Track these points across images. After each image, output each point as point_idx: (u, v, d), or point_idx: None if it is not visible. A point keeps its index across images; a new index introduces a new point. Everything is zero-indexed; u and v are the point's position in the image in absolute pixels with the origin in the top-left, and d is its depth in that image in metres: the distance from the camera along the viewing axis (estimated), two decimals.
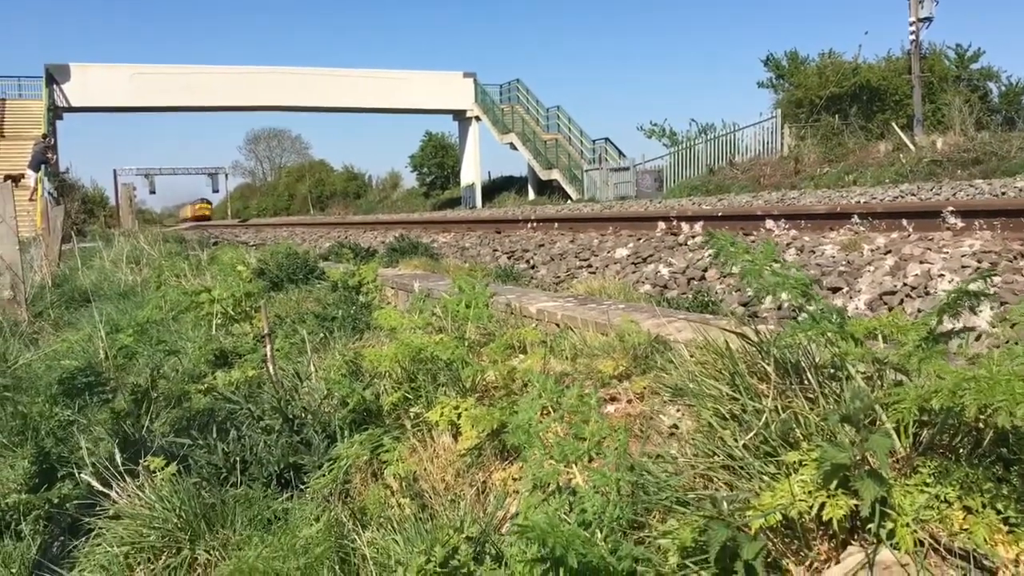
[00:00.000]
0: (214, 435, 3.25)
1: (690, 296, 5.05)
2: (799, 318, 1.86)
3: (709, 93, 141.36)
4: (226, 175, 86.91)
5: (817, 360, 1.80)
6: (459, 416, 2.86)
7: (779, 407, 1.71)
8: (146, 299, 7.48)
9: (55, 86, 32.90)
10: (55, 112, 32.55)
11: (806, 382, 1.76)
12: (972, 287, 1.60)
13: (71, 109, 34.17)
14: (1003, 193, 9.31)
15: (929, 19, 32.11)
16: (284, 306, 5.78)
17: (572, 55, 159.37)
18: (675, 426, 2.32)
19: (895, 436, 1.58)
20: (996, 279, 3.81)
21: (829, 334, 1.67)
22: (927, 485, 1.54)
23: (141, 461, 3.08)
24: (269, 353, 3.83)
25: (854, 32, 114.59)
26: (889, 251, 4.80)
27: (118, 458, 3.13)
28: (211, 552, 2.70)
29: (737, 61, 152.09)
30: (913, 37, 31.97)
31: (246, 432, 3.27)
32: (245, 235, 22.66)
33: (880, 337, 1.88)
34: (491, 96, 39.61)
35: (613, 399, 2.82)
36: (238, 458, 3.09)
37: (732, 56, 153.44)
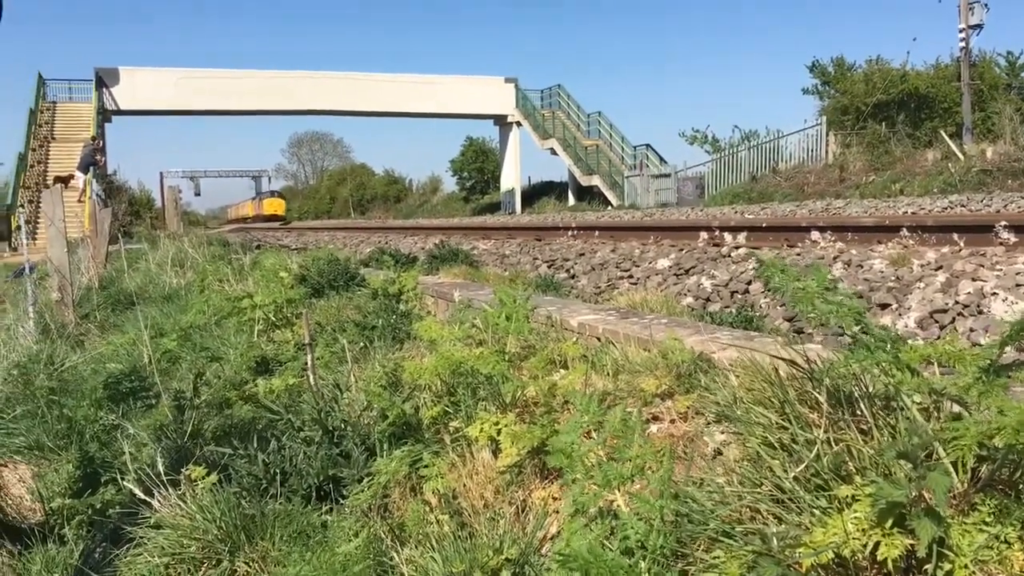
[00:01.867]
0: (255, 444, 3.26)
1: (733, 310, 4.98)
2: (851, 344, 1.81)
3: (753, 99, 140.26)
4: (269, 178, 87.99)
5: (870, 389, 1.75)
6: (499, 432, 2.84)
7: (831, 439, 1.65)
8: (189, 303, 7.57)
9: (104, 89, 33.56)
10: (104, 115, 33.18)
11: (859, 413, 1.70)
12: None
13: (120, 112, 34.82)
14: None
15: (979, 26, 31.56)
16: (325, 313, 5.80)
17: (614, 61, 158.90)
18: (719, 450, 2.28)
19: (953, 472, 1.52)
20: None
21: (883, 364, 1.62)
22: (986, 524, 1.48)
23: (183, 470, 3.10)
24: (310, 363, 3.84)
25: (902, 39, 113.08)
26: (940, 267, 4.69)
27: (160, 466, 3.15)
28: (250, 564, 2.71)
29: (782, 67, 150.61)
30: (963, 44, 31.43)
31: (286, 442, 3.27)
32: (287, 239, 22.89)
33: (936, 364, 1.82)
34: (532, 101, 39.64)
35: (656, 418, 2.77)
36: (278, 469, 3.09)
37: (777, 62, 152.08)
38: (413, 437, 3.16)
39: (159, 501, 3.05)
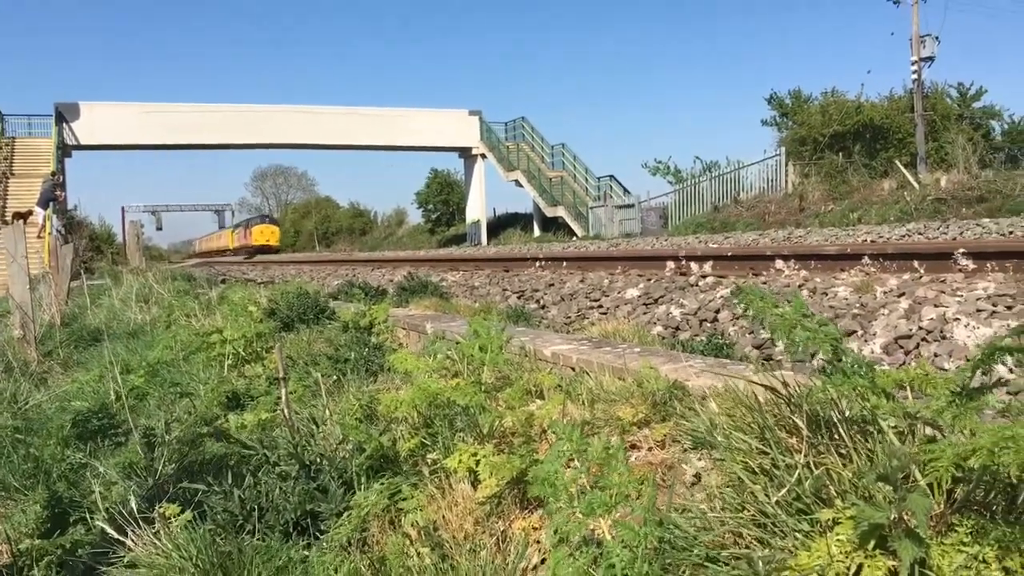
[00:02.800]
0: (229, 480, 3.23)
1: (703, 338, 5.04)
2: (828, 369, 1.85)
3: (713, 131, 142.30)
4: (232, 212, 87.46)
5: (848, 414, 1.79)
6: (478, 463, 2.85)
7: (811, 463, 1.69)
8: (156, 339, 7.49)
9: (64, 124, 33.26)
10: (64, 150, 32.85)
11: (837, 437, 1.75)
12: (1004, 343, 1.60)
13: (80, 147, 34.50)
14: (1011, 232, 9.32)
15: (931, 58, 32.42)
16: (296, 347, 5.78)
17: (577, 93, 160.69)
18: (698, 476, 2.31)
19: (930, 494, 1.57)
20: (1013, 323, 3.80)
21: (860, 389, 1.67)
22: (964, 544, 1.52)
23: (157, 507, 3.06)
24: (284, 397, 3.82)
25: (857, 71, 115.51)
26: (903, 293, 4.79)
27: (133, 504, 3.11)
28: None
29: (741, 99, 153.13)
30: (915, 76, 32.24)
31: (262, 477, 3.25)
32: (252, 272, 22.71)
33: (909, 389, 1.88)
34: (496, 134, 39.91)
35: (634, 447, 2.80)
36: (255, 505, 3.07)
37: (736, 94, 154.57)
38: (391, 470, 3.15)
39: (132, 540, 3.01)
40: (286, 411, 3.78)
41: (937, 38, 32.54)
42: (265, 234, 63.13)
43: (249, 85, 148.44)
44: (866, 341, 4.24)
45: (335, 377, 4.73)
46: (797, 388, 2.03)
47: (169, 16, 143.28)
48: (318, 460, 3.29)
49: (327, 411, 3.95)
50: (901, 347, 4.06)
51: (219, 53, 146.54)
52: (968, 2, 68.32)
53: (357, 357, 4.98)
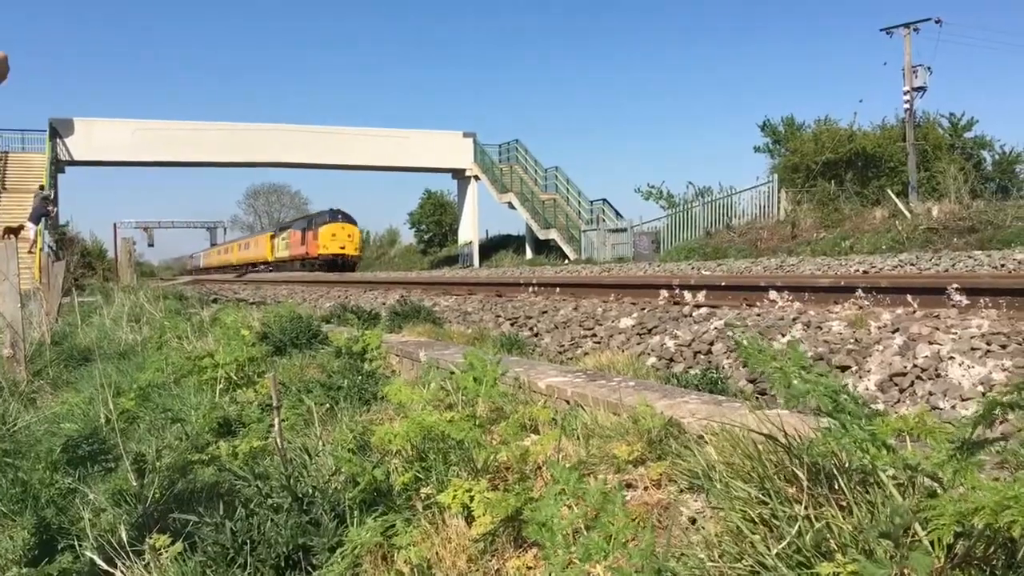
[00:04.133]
0: (220, 511, 3.21)
1: (697, 371, 5.04)
2: (823, 410, 1.85)
3: (706, 156, 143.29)
4: (224, 229, 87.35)
5: (848, 464, 1.79)
6: (472, 499, 2.83)
7: (812, 515, 1.69)
8: (147, 360, 7.44)
9: (58, 140, 33.26)
10: (57, 165, 32.85)
11: (837, 488, 1.74)
12: (1006, 399, 1.60)
13: (74, 163, 34.50)
14: (1003, 266, 9.36)
15: (923, 88, 32.76)
16: (288, 372, 5.76)
17: (571, 117, 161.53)
18: (693, 520, 2.30)
19: (931, 550, 1.56)
20: (1008, 363, 3.81)
21: (860, 442, 1.66)
22: None
23: (147, 538, 3.03)
24: (277, 427, 3.80)
25: (850, 100, 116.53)
26: (897, 329, 4.80)
27: (123, 534, 3.08)
28: None
29: (734, 126, 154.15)
30: (907, 105, 32.54)
31: (254, 509, 3.22)
32: (244, 291, 22.67)
33: (908, 438, 1.88)
34: (490, 156, 40.05)
35: (630, 486, 2.79)
36: (246, 538, 3.04)
37: (730, 120, 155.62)
38: (385, 503, 3.13)
39: (122, 572, 2.98)
40: (279, 440, 3.75)
41: (929, 68, 32.90)
42: (339, 238, 44.52)
43: (244, 105, 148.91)
44: (861, 378, 4.25)
45: (328, 405, 4.70)
46: (796, 434, 2.02)
47: (165, 34, 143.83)
48: (311, 492, 3.27)
49: (320, 441, 3.93)
50: (896, 384, 4.06)
51: (215, 74, 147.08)
52: (960, 34, 69.16)
53: (350, 385, 4.96)
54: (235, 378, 5.84)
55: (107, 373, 6.96)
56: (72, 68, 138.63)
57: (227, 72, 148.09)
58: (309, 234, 46.38)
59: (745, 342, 1.81)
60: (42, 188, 25.11)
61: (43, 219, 22.24)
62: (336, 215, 46.14)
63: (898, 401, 3.91)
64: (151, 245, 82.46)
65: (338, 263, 43.15)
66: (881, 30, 33.81)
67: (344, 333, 6.16)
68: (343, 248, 44.75)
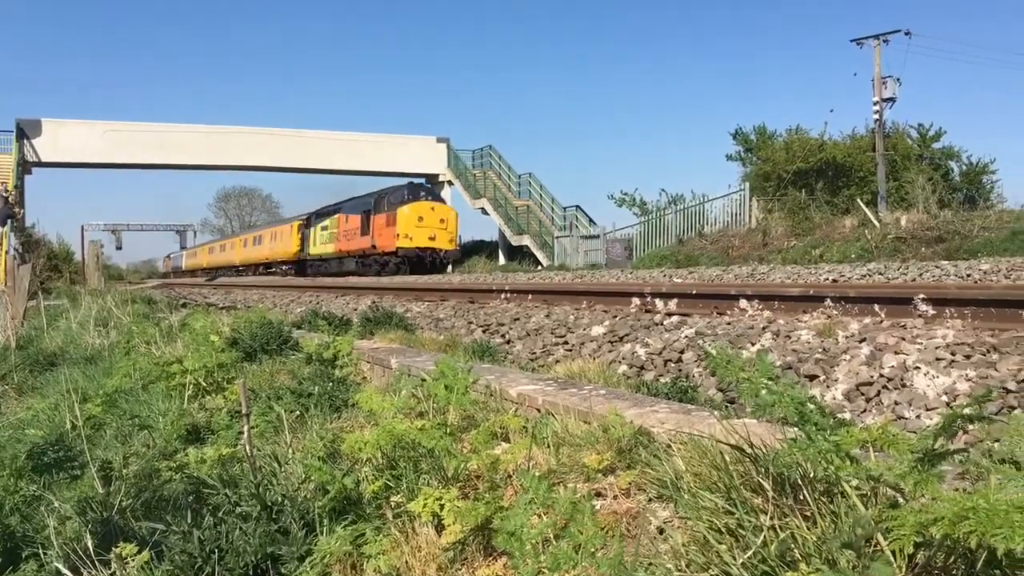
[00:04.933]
0: (188, 520, 3.18)
1: (667, 379, 5.07)
2: (790, 421, 1.88)
3: (679, 164, 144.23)
4: (195, 232, 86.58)
5: (812, 474, 1.81)
6: (442, 508, 2.83)
7: (776, 525, 1.71)
8: (114, 366, 7.37)
9: (26, 141, 32.82)
10: (24, 167, 32.41)
11: (802, 499, 1.77)
12: (966, 411, 1.63)
13: (41, 164, 34.11)
14: (968, 276, 9.50)
15: (892, 99, 33.22)
16: (258, 378, 5.72)
17: (546, 123, 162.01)
18: (661, 530, 2.32)
19: (893, 560, 1.59)
20: (972, 373, 3.87)
21: (825, 452, 1.69)
22: None
23: (113, 548, 3.00)
24: (247, 435, 3.77)
25: (820, 109, 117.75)
26: (864, 339, 4.86)
27: (88, 542, 3.05)
28: None
29: (707, 134, 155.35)
30: (877, 116, 32.96)
31: (222, 517, 3.20)
32: (214, 296, 22.50)
33: (871, 449, 1.91)
34: (464, 161, 40.07)
35: (599, 494, 2.80)
36: (214, 547, 3.02)
37: (702, 128, 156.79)
38: (354, 512, 3.13)
39: None
40: (248, 448, 3.73)
41: (899, 80, 33.37)
42: (428, 224, 31.53)
43: (214, 109, 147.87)
44: (828, 387, 4.30)
45: (298, 412, 4.69)
46: (762, 444, 2.05)
47: (139, 36, 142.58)
48: (280, 500, 3.25)
49: (290, 448, 3.91)
50: (862, 394, 4.11)
51: (184, 77, 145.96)
52: (929, 46, 70.18)
53: (321, 391, 4.94)
54: (204, 384, 5.79)
55: (73, 378, 6.88)
56: (39, 70, 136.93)
57: (200, 75, 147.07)
58: (378, 219, 32.72)
59: (714, 352, 1.83)
60: (6, 191, 24.78)
61: (8, 221, 21.93)
62: (418, 191, 32.96)
63: (864, 410, 3.96)
64: (119, 248, 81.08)
65: (426, 262, 31.06)
66: (851, 41, 34.24)
67: (315, 339, 6.14)
68: (433, 239, 31.49)
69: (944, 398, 3.76)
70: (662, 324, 6.60)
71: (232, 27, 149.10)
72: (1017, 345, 4.28)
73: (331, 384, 5.09)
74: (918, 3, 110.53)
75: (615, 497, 2.75)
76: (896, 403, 3.87)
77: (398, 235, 31.32)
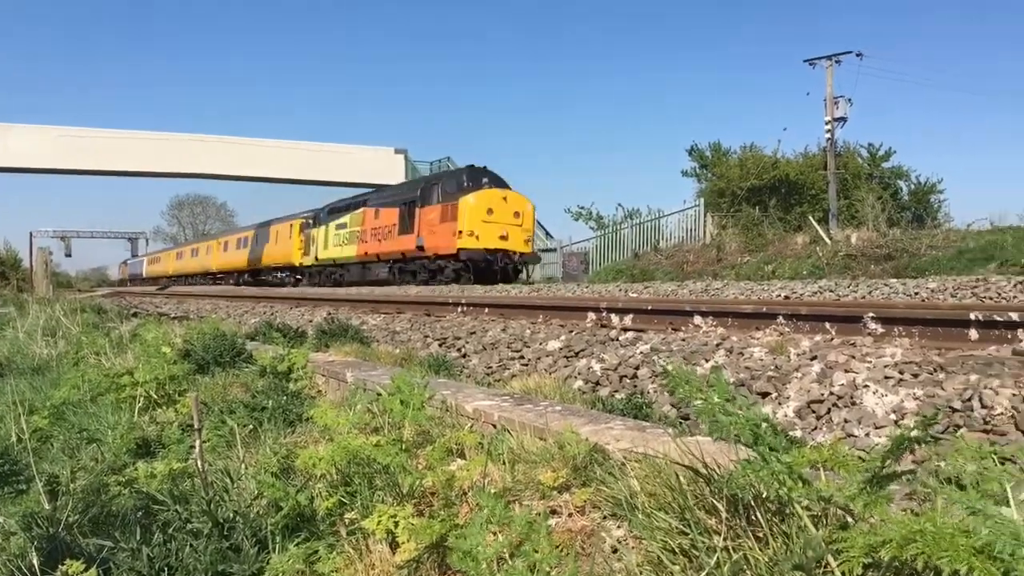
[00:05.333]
0: (137, 536, 3.13)
1: (622, 395, 5.11)
2: (746, 452, 1.90)
3: (635, 179, 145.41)
4: (147, 240, 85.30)
5: (765, 495, 1.84)
6: (397, 525, 2.82)
7: (730, 546, 1.73)
8: (62, 377, 7.22)
9: None
10: None
11: (755, 519, 1.79)
12: (914, 434, 1.67)
13: None
14: (916, 294, 9.70)
15: (844, 119, 33.86)
16: (210, 391, 5.65)
17: (504, 137, 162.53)
18: (614, 549, 2.33)
19: None
20: (919, 392, 3.95)
21: (778, 474, 1.72)
22: None
23: (60, 565, 2.94)
24: (199, 449, 3.72)
25: (774, 128, 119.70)
26: (815, 356, 4.94)
27: (34, 559, 2.99)
28: None
29: (663, 150, 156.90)
30: (829, 135, 33.58)
31: (172, 534, 3.16)
32: (166, 306, 22.17)
33: (822, 469, 1.94)
34: (421, 172, 40.01)
35: (554, 512, 2.81)
36: (164, 564, 2.98)
37: (658, 144, 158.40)
38: (308, 529, 3.10)
39: None
40: (200, 463, 3.68)
41: (850, 100, 34.03)
42: (500, 219, 24.59)
43: (172, 116, 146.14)
44: (780, 404, 4.36)
45: (251, 426, 4.63)
46: (716, 464, 2.08)
47: (93, 44, 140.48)
48: (232, 517, 3.21)
49: (243, 464, 3.87)
50: (813, 411, 4.17)
51: (138, 83, 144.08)
52: (879, 67, 71.73)
53: (275, 405, 4.89)
54: (155, 397, 5.71)
55: (20, 389, 6.73)
56: None
57: (154, 82, 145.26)
58: (428, 213, 25.80)
59: (672, 370, 1.85)
60: None
61: None
62: (480, 176, 25.55)
63: (815, 428, 4.02)
64: (68, 255, 79.36)
65: (495, 268, 24.11)
66: (805, 61, 34.84)
67: (269, 351, 6.08)
68: (505, 239, 24.41)
69: (892, 416, 3.83)
70: (618, 339, 6.64)
71: (189, 34, 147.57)
72: (962, 364, 4.37)
73: (285, 398, 5.05)
74: (870, 25, 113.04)
75: (570, 515, 2.76)
76: (846, 421, 3.93)
77: (460, 233, 23.86)
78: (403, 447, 3.21)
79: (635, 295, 13.02)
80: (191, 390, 5.49)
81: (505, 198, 25.03)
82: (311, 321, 12.11)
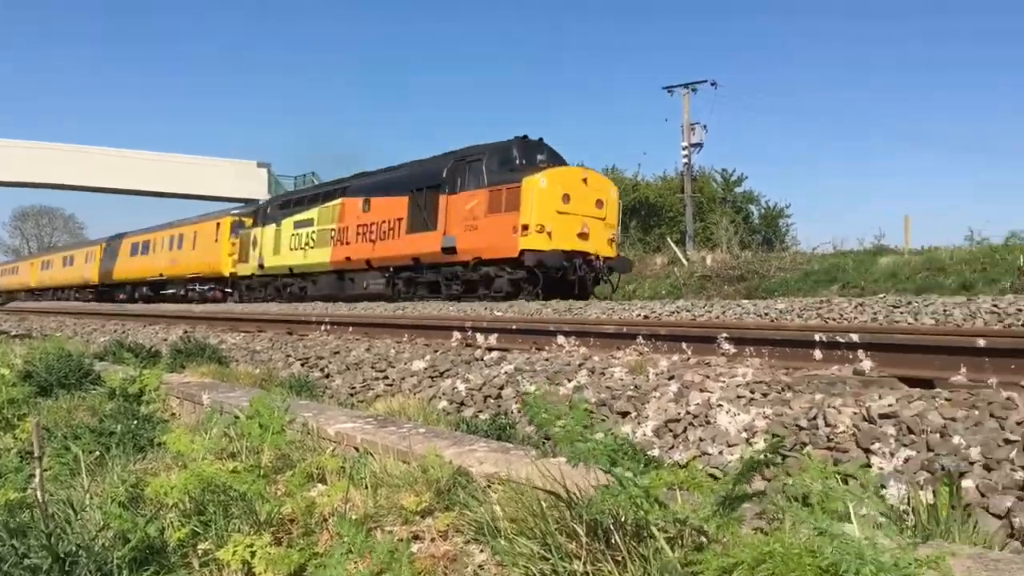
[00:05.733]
0: None
1: (487, 415, 5.13)
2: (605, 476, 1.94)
3: None
4: None
5: (624, 519, 1.88)
6: (253, 555, 2.73)
7: (590, 571, 1.76)
8: None
9: None
10: None
11: (613, 542, 1.82)
12: (762, 457, 1.74)
13: None
14: (766, 314, 10.16)
15: (700, 144, 35.23)
16: (54, 415, 5.34)
17: (369, 150, 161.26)
18: (476, 573, 2.33)
19: None
20: (768, 411, 4.13)
21: (635, 498, 1.75)
22: None
23: None
24: (39, 478, 3.51)
25: (635, 151, 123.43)
26: (672, 376, 5.09)
27: None
28: None
29: None
30: (686, 160, 34.87)
31: (7, 571, 2.96)
32: (6, 323, 20.84)
33: (678, 490, 2.00)
34: (285, 187, 39.21)
35: (417, 537, 2.79)
36: None
37: None
38: (157, 561, 2.96)
39: None
40: (40, 494, 3.47)
41: (705, 127, 35.43)
42: (580, 209, 18.17)
43: (25, 122, 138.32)
44: (639, 424, 4.47)
45: (98, 453, 4.40)
46: (576, 487, 2.10)
47: None
48: (75, 551, 3.04)
49: (88, 493, 3.66)
50: (671, 431, 4.30)
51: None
52: (733, 96, 75.12)
53: (124, 430, 4.65)
54: None
55: None
56: None
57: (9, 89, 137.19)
58: (467, 201, 19.20)
59: (530, 398, 1.87)
60: None
61: None
62: (534, 152, 19.49)
63: (672, 447, 4.14)
64: None
65: (572, 277, 18.03)
66: (664, 88, 36.08)
67: (120, 372, 5.80)
68: (585, 237, 18.36)
69: (744, 435, 3.99)
70: (482, 359, 6.67)
71: (50, 42, 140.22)
72: (808, 383, 4.60)
73: (136, 422, 4.82)
74: (727, 56, 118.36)
75: (432, 540, 2.74)
76: (701, 439, 4.07)
77: (524, 228, 17.37)
78: (261, 473, 3.12)
79: (500, 314, 13.11)
80: (32, 414, 5.17)
81: (585, 179, 18.73)
82: (166, 340, 11.64)
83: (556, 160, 19.47)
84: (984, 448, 3.26)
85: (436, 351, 7.45)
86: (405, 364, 6.99)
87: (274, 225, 27.15)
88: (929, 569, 1.64)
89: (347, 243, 23.25)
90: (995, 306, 8.69)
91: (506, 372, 6.01)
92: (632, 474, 1.82)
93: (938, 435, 3.45)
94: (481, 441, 3.59)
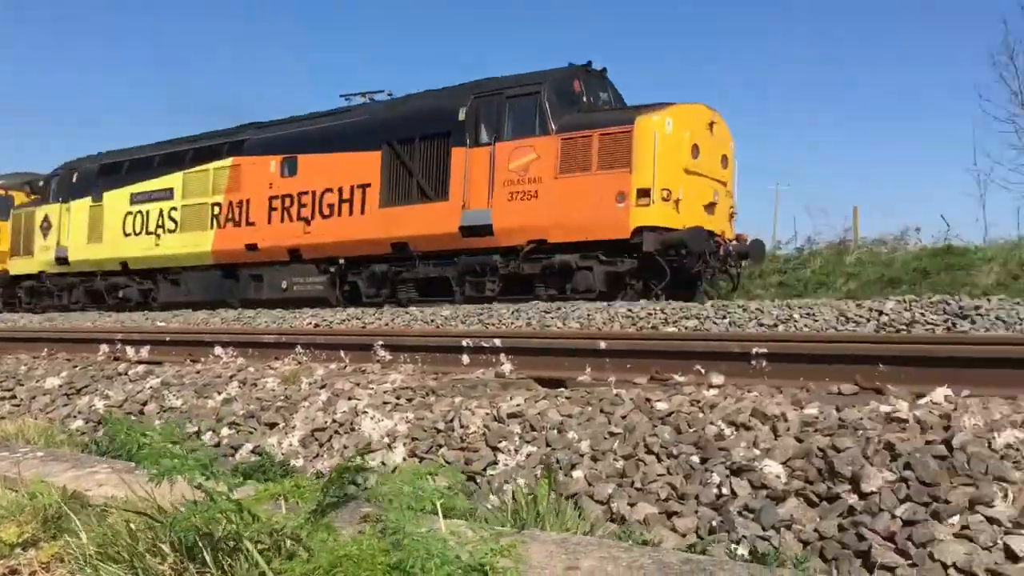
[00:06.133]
0: None
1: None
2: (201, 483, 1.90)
3: None
4: None
5: (219, 534, 1.85)
6: None
7: None
8: None
9: None
10: None
11: (204, 559, 1.79)
12: (352, 465, 1.80)
13: None
14: (432, 321, 10.48)
15: None
16: None
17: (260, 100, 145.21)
18: None
19: None
20: (411, 415, 4.26)
21: (227, 512, 1.74)
22: None
23: None
24: None
25: None
26: (324, 385, 5.10)
27: None
28: None
29: None
30: None
31: None
32: None
33: (284, 501, 2.01)
34: None
35: (15, 572, 2.56)
36: None
37: None
38: None
39: None
40: None
41: None
42: (708, 169, 12.43)
43: None
44: (287, 434, 4.43)
45: None
46: (172, 505, 2.04)
47: None
48: None
49: None
50: (317, 440, 4.30)
51: None
52: None
53: None
54: None
55: None
56: None
57: None
58: (514, 155, 12.82)
59: (110, 419, 1.79)
60: None
61: None
62: (597, 87, 13.67)
63: (317, 455, 4.15)
64: None
65: (704, 267, 12.28)
66: (341, 96, 35.82)
67: None
68: (712, 209, 12.61)
69: (387, 440, 4.08)
70: (127, 375, 6.26)
71: None
72: (453, 387, 4.81)
73: None
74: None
75: (33, 573, 2.53)
76: (345, 447, 4.11)
77: (643, 195, 11.78)
78: None
79: (163, 324, 12.43)
80: None
81: (712, 125, 12.82)
82: None
83: (621, 103, 13.74)
84: (593, 441, 3.60)
85: (77, 366, 6.88)
86: (38, 382, 6.39)
87: (87, 199, 19.21)
88: (502, 557, 1.78)
89: (247, 223, 16.14)
90: (629, 311, 9.58)
91: (151, 387, 5.69)
92: (227, 488, 1.80)
93: (556, 431, 3.76)
94: (104, 463, 3.38)
